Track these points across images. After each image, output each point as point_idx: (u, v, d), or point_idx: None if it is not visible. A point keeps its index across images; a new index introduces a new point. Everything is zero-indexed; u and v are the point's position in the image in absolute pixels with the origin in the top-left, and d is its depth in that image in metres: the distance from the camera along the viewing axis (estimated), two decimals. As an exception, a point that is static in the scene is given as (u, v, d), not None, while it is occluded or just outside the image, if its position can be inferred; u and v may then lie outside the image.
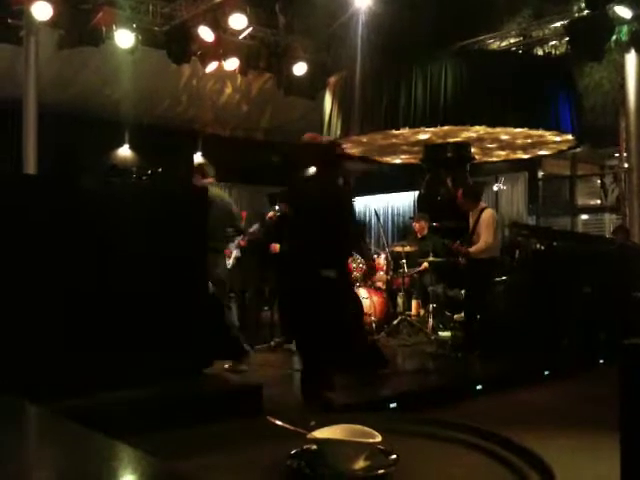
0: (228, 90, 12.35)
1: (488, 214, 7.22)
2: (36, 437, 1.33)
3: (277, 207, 7.94)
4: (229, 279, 8.62)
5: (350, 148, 10.83)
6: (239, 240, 8.05)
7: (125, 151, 13.31)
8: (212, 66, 9.82)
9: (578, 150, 12.23)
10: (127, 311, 4.61)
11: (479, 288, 7.21)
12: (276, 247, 7.64)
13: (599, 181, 16.94)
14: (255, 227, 8.00)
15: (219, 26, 9.16)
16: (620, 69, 10.06)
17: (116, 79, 10.74)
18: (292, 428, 1.49)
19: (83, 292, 4.42)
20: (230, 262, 8.27)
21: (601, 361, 7.18)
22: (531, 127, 9.17)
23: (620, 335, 3.25)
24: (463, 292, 7.95)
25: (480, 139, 9.95)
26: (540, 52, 10.62)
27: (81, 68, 10.92)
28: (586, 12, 9.27)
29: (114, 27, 8.66)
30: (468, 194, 7.39)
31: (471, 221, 7.31)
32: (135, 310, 4.65)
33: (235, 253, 8.18)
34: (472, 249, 7.04)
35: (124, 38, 8.75)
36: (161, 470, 1.03)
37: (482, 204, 7.43)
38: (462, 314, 7.75)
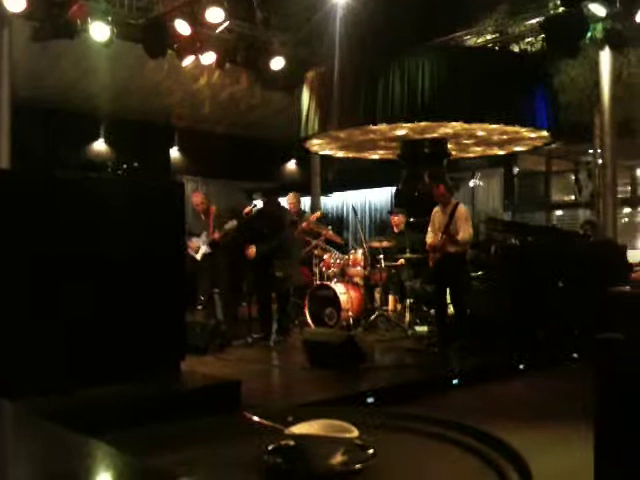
0: (203, 81, 12.27)
1: (464, 209, 7.31)
2: (11, 435, 1.31)
3: (254, 202, 7.89)
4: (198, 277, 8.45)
5: (328, 144, 10.83)
6: (211, 235, 7.90)
7: (100, 145, 13.18)
8: (189, 60, 9.74)
9: (553, 146, 12.35)
10: (102, 307, 4.57)
11: (453, 282, 7.25)
12: (252, 251, 7.54)
13: (573, 177, 17.13)
14: (232, 223, 7.88)
15: (196, 20, 9.08)
16: (595, 66, 10.17)
17: (91, 72, 10.61)
18: (269, 424, 1.49)
19: (58, 289, 4.38)
20: (197, 256, 8.08)
21: (575, 355, 7.27)
22: (507, 123, 9.23)
23: (594, 330, 3.30)
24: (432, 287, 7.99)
25: (457, 135, 10.00)
26: (516, 48, 10.69)
27: (56, 61, 10.78)
28: (561, 9, 9.35)
29: (89, 20, 8.55)
30: (450, 189, 7.47)
31: (441, 215, 7.31)
32: (110, 306, 4.61)
33: (204, 249, 8.00)
34: (459, 236, 7.05)
35: (99, 31, 8.63)
36: (137, 467, 1.02)
37: (454, 200, 7.48)
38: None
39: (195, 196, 8.44)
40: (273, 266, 7.58)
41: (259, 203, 8.08)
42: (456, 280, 7.21)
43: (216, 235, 7.85)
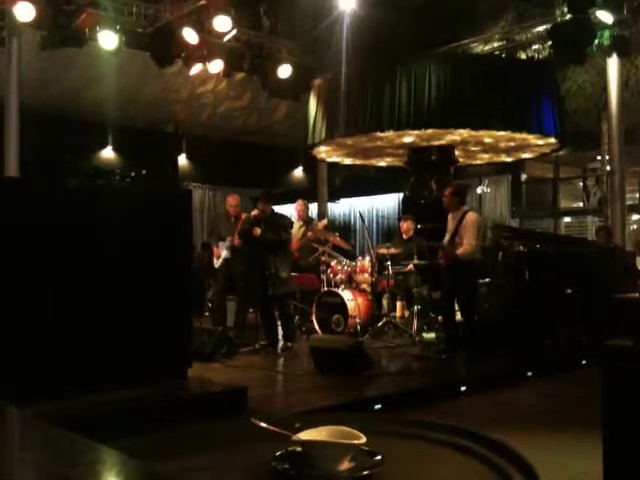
0: (210, 88, 12.30)
1: (472, 217, 7.20)
2: (18, 441, 1.32)
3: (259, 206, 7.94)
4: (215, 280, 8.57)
5: (335, 150, 10.84)
6: (231, 240, 7.99)
7: (108, 153, 13.24)
8: (196, 68, 9.79)
9: (561, 153, 12.33)
10: (111, 313, 4.58)
11: (461, 289, 7.21)
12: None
13: (581, 184, 17.10)
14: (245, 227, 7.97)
15: (203, 28, 9.13)
16: (602, 73, 10.16)
17: (100, 80, 10.67)
18: (277, 430, 1.49)
19: (66, 294, 4.39)
20: (218, 262, 8.19)
21: (583, 362, 7.24)
22: (514, 130, 9.22)
23: (602, 336, 3.29)
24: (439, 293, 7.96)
25: (464, 142, 10.00)
26: (523, 56, 10.69)
27: (64, 69, 10.85)
28: (569, 16, 9.35)
29: (97, 28, 8.60)
30: (456, 194, 7.38)
31: (451, 222, 7.28)
32: (119, 312, 4.63)
33: (225, 254, 8.10)
34: (459, 252, 7.01)
35: (107, 39, 8.68)
36: (145, 472, 1.02)
37: (465, 207, 7.42)
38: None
39: (231, 197, 8.52)
40: (276, 266, 7.52)
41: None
42: (464, 287, 7.17)
43: (236, 241, 7.93)
